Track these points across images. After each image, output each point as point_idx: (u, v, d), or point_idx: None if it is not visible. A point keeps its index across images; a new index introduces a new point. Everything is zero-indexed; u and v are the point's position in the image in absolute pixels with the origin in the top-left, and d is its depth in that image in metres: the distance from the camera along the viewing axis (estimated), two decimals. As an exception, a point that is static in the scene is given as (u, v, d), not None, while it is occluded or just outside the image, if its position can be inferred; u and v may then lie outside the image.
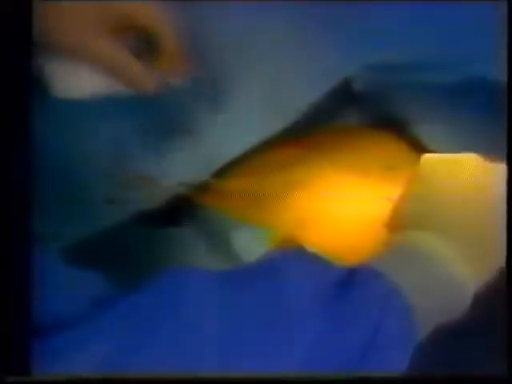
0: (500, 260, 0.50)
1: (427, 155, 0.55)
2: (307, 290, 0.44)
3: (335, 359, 0.42)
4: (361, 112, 0.68)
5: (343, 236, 0.61)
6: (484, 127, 0.61)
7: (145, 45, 0.59)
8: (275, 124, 0.63)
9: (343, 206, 0.62)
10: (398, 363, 0.44)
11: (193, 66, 0.60)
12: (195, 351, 0.38)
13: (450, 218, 0.51)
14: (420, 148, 0.64)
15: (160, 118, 0.63)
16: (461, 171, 0.53)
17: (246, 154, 0.64)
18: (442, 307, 0.48)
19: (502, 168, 0.53)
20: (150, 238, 0.62)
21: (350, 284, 0.45)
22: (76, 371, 0.35)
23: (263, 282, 0.44)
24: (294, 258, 0.48)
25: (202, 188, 0.64)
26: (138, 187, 0.61)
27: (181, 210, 0.65)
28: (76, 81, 0.57)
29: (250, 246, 0.60)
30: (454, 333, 0.50)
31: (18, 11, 0.43)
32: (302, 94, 0.62)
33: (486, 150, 0.59)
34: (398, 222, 0.54)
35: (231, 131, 0.63)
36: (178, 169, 0.63)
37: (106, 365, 0.36)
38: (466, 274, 0.48)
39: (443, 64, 0.60)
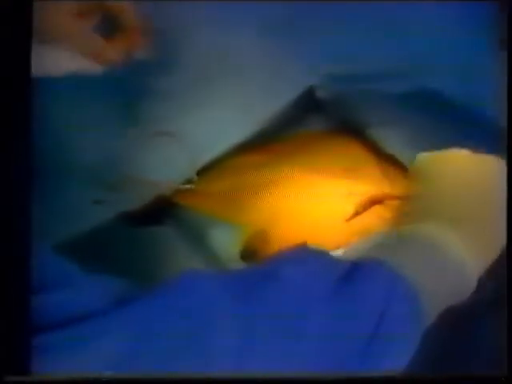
0: (499, 246, 0.50)
1: (423, 154, 0.57)
2: (315, 286, 0.44)
3: (344, 345, 0.42)
4: (324, 118, 0.69)
5: (310, 229, 0.63)
6: (433, 130, 0.62)
7: (109, 23, 0.62)
8: (247, 129, 0.65)
9: (309, 203, 0.64)
10: (406, 346, 0.44)
11: (152, 40, 0.62)
12: (207, 353, 0.38)
13: (451, 208, 0.52)
14: (376, 150, 0.66)
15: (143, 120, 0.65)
16: (456, 165, 0.55)
17: (220, 157, 0.65)
18: (448, 291, 0.48)
19: (492, 159, 0.54)
20: (133, 237, 0.63)
21: (355, 275, 0.45)
22: (76, 371, 0.35)
23: (271, 282, 0.43)
24: (299, 257, 0.48)
25: (182, 189, 0.64)
26: (122, 189, 0.62)
27: (162, 210, 0.65)
28: (51, 60, 0.59)
29: (226, 243, 0.62)
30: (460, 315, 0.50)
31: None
32: (270, 101, 0.64)
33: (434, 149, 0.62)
34: (403, 216, 0.55)
35: (209, 136, 0.64)
36: (159, 171, 0.64)
37: (106, 365, 0.36)
38: (468, 259, 0.49)
39: (398, 75, 0.62)
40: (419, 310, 0.45)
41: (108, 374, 0.35)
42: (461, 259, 0.48)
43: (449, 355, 0.54)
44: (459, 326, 0.55)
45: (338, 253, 0.60)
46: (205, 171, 0.65)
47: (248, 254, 0.61)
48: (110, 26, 0.62)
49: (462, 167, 0.54)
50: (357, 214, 0.63)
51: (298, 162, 0.66)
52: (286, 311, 0.42)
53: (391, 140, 0.64)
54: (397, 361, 0.43)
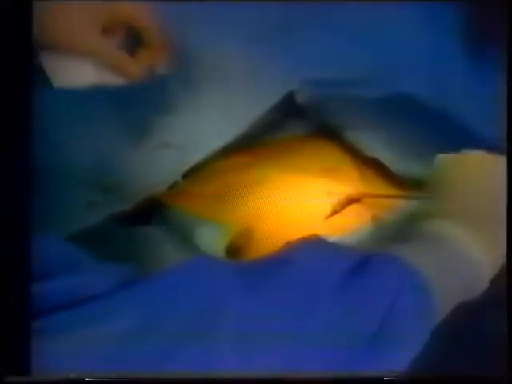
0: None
1: (441, 155, 0.57)
2: (325, 276, 0.43)
3: (351, 336, 0.41)
4: (303, 122, 0.70)
5: (292, 227, 0.64)
6: (409, 133, 0.64)
7: (132, 39, 0.63)
8: (231, 133, 0.66)
9: (290, 202, 0.65)
10: (416, 338, 0.44)
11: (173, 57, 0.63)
12: (212, 337, 0.37)
13: (466, 207, 0.51)
14: (354, 152, 0.68)
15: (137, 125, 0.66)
16: (472, 166, 0.54)
17: (206, 160, 0.66)
18: (461, 288, 0.47)
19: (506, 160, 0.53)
20: (123, 237, 0.63)
21: (366, 268, 0.45)
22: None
23: (281, 272, 0.43)
24: (311, 247, 0.48)
25: (170, 190, 0.66)
26: (113, 191, 0.63)
27: (151, 211, 0.66)
28: (70, 72, 0.60)
29: (212, 241, 0.62)
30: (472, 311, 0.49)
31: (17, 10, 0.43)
32: (252, 106, 0.65)
33: (408, 151, 0.64)
34: (419, 213, 0.55)
35: (195, 139, 0.66)
36: (149, 172, 0.65)
37: (107, 347, 0.35)
38: (482, 257, 0.48)
39: (374, 80, 0.63)
40: (430, 305, 0.44)
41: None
42: (475, 256, 0.48)
43: (457, 352, 0.53)
44: (470, 323, 0.54)
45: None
46: (192, 173, 0.66)
47: (233, 251, 0.62)
48: (134, 42, 0.63)
49: (478, 167, 0.54)
50: (335, 212, 0.64)
51: (280, 164, 0.67)
52: (295, 299, 0.41)
53: (368, 142, 0.66)
54: (404, 356, 0.43)
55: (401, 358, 0.43)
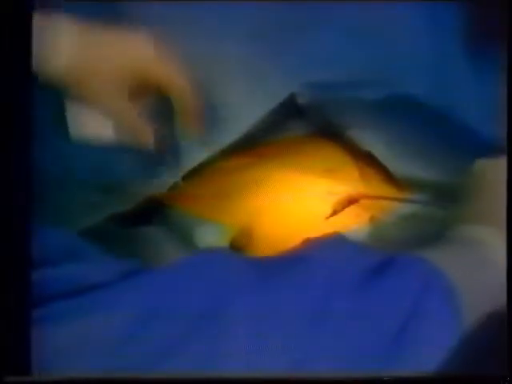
0: None
1: (480, 160, 0.54)
2: (345, 275, 0.42)
3: (375, 335, 0.40)
4: (304, 123, 0.70)
5: (292, 227, 0.64)
6: (408, 133, 0.64)
7: (160, 106, 0.62)
8: (233, 135, 0.65)
9: (291, 203, 0.65)
10: (440, 340, 0.42)
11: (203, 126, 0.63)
12: (219, 338, 0.36)
13: (501, 213, 0.49)
14: (355, 152, 0.67)
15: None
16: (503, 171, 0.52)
17: (206, 160, 0.66)
18: (490, 295, 0.46)
19: None
20: (124, 237, 0.63)
21: (390, 268, 0.44)
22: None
23: (296, 269, 0.42)
24: (331, 245, 0.47)
25: (171, 190, 0.65)
26: (114, 191, 0.63)
27: (152, 212, 0.66)
28: (89, 126, 0.59)
29: (212, 241, 0.63)
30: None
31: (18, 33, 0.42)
32: (254, 108, 0.64)
33: (408, 151, 0.63)
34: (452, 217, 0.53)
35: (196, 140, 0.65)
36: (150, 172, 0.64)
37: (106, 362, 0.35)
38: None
39: (375, 82, 0.63)
40: (456, 310, 0.43)
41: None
42: (503, 263, 0.47)
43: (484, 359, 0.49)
44: (499, 331, 0.50)
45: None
46: (192, 174, 0.66)
47: (233, 251, 0.62)
48: (161, 107, 0.62)
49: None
50: (335, 212, 0.65)
51: (281, 164, 0.67)
52: (311, 298, 0.40)
53: (369, 143, 0.66)
54: (426, 360, 0.41)
55: (423, 362, 0.41)
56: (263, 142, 0.69)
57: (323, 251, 0.45)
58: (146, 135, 0.60)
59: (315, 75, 0.63)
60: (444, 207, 0.60)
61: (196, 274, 0.39)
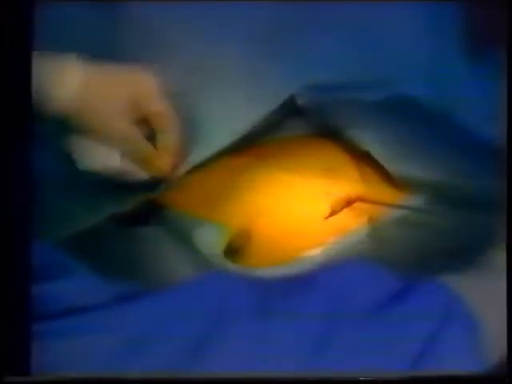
0: None
1: None
2: (357, 300, 0.41)
3: (391, 359, 0.39)
4: (304, 123, 0.70)
5: (290, 228, 0.64)
6: (407, 134, 0.64)
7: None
8: (231, 136, 0.65)
9: (289, 203, 0.65)
10: (459, 367, 0.41)
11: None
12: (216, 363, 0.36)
13: None
14: (354, 153, 0.67)
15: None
16: None
17: (206, 160, 0.66)
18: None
19: None
20: (122, 238, 0.63)
21: (409, 293, 0.42)
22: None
23: (305, 294, 0.41)
24: (344, 268, 0.45)
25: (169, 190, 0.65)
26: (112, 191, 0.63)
27: (149, 212, 0.66)
28: (96, 156, 0.60)
29: (210, 242, 0.62)
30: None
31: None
32: (254, 110, 0.64)
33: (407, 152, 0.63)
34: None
35: (195, 140, 0.65)
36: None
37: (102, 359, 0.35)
38: None
39: (375, 83, 0.63)
40: (477, 339, 0.41)
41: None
42: (506, 264, 0.45)
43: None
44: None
45: (316, 251, 0.62)
46: (190, 174, 0.66)
47: (232, 252, 0.62)
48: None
49: None
50: (334, 213, 0.64)
51: (279, 164, 0.67)
52: (318, 325, 0.39)
53: (368, 143, 0.65)
54: None
55: None
56: (262, 141, 0.69)
57: (334, 275, 0.43)
58: (159, 160, 0.61)
59: (315, 76, 0.64)
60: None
61: (194, 299, 0.38)
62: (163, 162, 0.61)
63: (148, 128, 0.61)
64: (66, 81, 0.53)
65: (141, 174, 0.62)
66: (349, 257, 0.48)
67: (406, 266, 0.58)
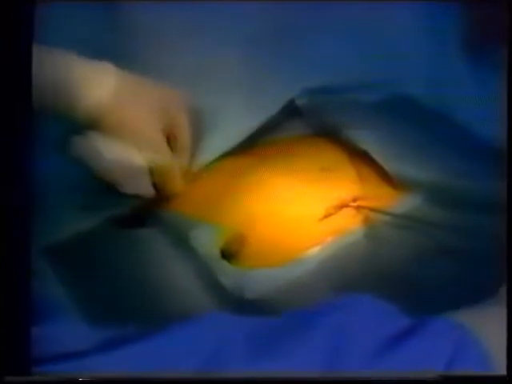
0: None
1: None
2: (361, 341, 0.38)
3: None
4: (302, 123, 0.70)
5: (286, 229, 0.63)
6: (407, 134, 0.65)
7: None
8: (234, 139, 0.66)
9: (285, 204, 0.64)
10: None
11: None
12: None
13: None
14: (352, 153, 0.67)
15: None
16: None
17: (204, 162, 0.66)
18: None
19: None
20: (119, 240, 0.63)
21: (418, 332, 0.40)
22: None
23: (305, 333, 0.38)
24: (347, 305, 0.42)
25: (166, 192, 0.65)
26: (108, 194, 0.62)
27: (146, 214, 0.65)
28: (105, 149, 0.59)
29: (207, 243, 0.61)
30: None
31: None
32: (254, 114, 0.65)
33: (407, 152, 0.63)
34: None
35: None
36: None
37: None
38: None
39: (374, 83, 0.64)
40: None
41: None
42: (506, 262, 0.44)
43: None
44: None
45: (312, 252, 0.61)
46: (187, 175, 0.65)
47: (228, 253, 0.61)
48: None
49: None
50: (330, 214, 0.64)
51: (276, 165, 0.67)
52: (320, 366, 0.37)
53: (367, 143, 0.66)
54: None
55: None
56: (261, 142, 0.69)
57: (335, 313, 0.41)
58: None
59: (314, 77, 0.64)
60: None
61: (186, 344, 0.37)
62: (178, 180, 0.62)
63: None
64: (96, 83, 0.54)
65: (130, 189, 0.61)
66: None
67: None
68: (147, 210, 0.65)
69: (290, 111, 0.67)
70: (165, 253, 0.62)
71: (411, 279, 0.57)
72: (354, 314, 0.40)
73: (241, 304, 0.56)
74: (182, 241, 0.62)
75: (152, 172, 0.61)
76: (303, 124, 0.70)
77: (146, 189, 0.62)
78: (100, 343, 0.36)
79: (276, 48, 0.63)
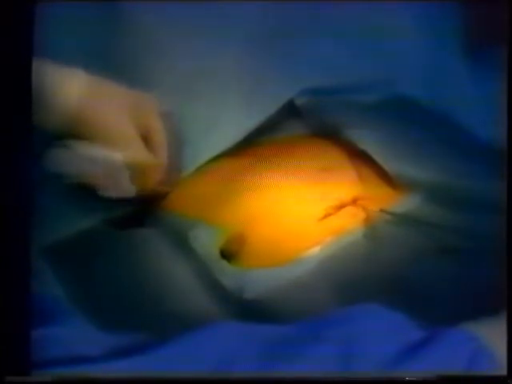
0: None
1: None
2: (371, 352, 0.38)
3: None
4: (302, 122, 0.70)
5: (286, 229, 0.63)
6: (406, 135, 0.64)
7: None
8: (231, 139, 0.66)
9: (285, 204, 0.64)
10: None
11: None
12: None
13: None
14: (351, 153, 0.67)
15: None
16: None
17: (203, 162, 0.66)
18: None
19: None
20: (118, 241, 0.62)
21: (431, 344, 0.39)
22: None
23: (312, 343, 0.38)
24: (360, 315, 0.42)
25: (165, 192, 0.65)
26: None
27: (145, 214, 0.65)
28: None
29: (207, 244, 0.61)
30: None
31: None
32: (253, 114, 0.65)
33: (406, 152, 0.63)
34: None
35: (195, 143, 0.65)
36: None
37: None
38: None
39: (374, 84, 0.64)
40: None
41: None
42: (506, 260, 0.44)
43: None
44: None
45: (312, 252, 0.61)
46: (187, 175, 0.65)
47: (228, 253, 0.61)
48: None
49: None
50: (329, 214, 0.64)
51: (276, 165, 0.66)
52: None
53: (366, 144, 0.65)
54: None
55: None
56: (260, 142, 0.69)
57: (344, 325, 0.41)
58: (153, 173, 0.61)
59: (313, 77, 0.64)
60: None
61: (193, 354, 0.37)
62: (155, 177, 0.61)
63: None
64: (67, 90, 0.53)
65: (112, 192, 0.61)
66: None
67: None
68: (146, 211, 0.65)
69: (290, 111, 0.67)
70: (164, 253, 0.62)
71: (411, 279, 0.57)
72: (363, 325, 0.40)
73: (241, 304, 0.56)
74: (181, 241, 0.62)
75: (131, 170, 0.60)
76: (302, 124, 0.70)
77: (127, 190, 0.61)
78: (100, 344, 0.36)
79: (275, 48, 0.63)
